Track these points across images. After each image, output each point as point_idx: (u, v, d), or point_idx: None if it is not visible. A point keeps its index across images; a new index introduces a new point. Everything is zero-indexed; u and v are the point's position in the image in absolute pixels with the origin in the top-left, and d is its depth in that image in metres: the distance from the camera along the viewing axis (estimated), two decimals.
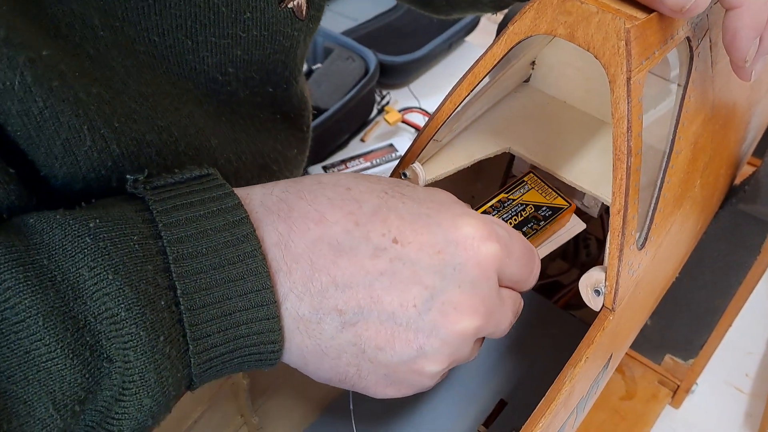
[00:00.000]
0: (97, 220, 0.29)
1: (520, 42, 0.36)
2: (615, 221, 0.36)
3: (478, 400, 0.50)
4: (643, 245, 0.38)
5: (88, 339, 0.28)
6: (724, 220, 0.55)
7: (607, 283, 0.37)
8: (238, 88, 0.43)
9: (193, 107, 0.41)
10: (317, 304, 0.32)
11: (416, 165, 0.43)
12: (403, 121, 0.99)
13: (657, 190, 0.39)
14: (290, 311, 0.32)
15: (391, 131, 1.00)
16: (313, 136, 0.90)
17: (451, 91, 0.40)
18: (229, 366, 0.33)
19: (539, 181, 0.45)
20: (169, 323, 0.29)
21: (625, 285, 0.37)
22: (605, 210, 0.49)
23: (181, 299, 0.30)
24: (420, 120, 1.00)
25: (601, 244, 0.65)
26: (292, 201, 0.33)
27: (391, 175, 0.44)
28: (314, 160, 0.94)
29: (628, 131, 0.34)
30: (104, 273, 0.28)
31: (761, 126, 0.60)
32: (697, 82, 0.41)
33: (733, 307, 0.61)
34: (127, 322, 0.28)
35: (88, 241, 0.29)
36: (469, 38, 1.15)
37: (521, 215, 0.43)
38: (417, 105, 1.02)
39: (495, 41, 0.37)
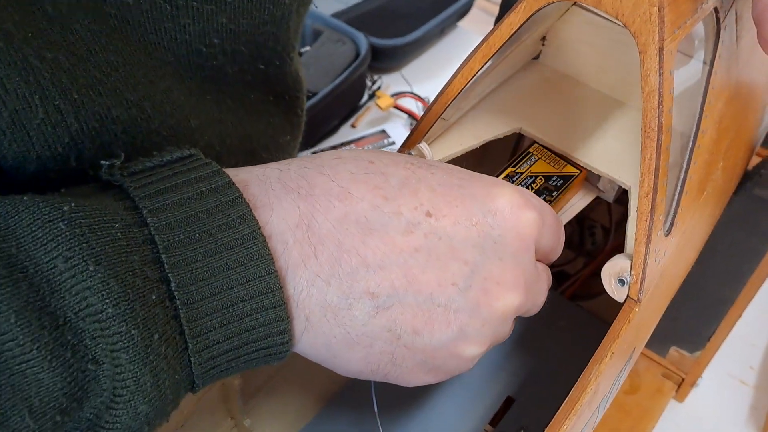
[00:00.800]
0: (72, 204, 0.26)
1: (540, 9, 0.33)
2: (643, 204, 0.33)
3: (484, 397, 0.47)
4: (669, 231, 0.36)
5: (69, 338, 0.24)
6: (738, 206, 0.53)
7: (632, 272, 0.34)
8: (225, 63, 0.39)
9: (171, 82, 0.37)
10: (347, 288, 0.29)
11: (423, 145, 0.40)
12: (396, 107, 0.95)
13: (683, 171, 0.36)
14: (316, 298, 0.29)
15: (383, 117, 0.97)
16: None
17: (462, 64, 0.37)
18: (236, 364, 0.29)
19: (545, 150, 0.42)
20: (164, 320, 0.26)
21: (651, 274, 0.35)
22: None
23: (176, 293, 0.26)
24: (413, 105, 0.97)
25: (607, 232, 0.63)
26: (313, 177, 0.30)
27: None
28: (303, 146, 0.90)
29: (659, 106, 0.31)
30: (83, 264, 0.25)
31: None
32: (723, 57, 0.39)
33: (744, 297, 0.58)
34: (115, 320, 0.25)
35: (62, 227, 0.25)
36: (461, 23, 1.12)
37: (532, 188, 0.41)
38: (409, 89, 0.99)
39: (512, 9, 0.34)
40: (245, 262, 0.27)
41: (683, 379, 0.68)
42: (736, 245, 0.55)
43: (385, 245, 0.29)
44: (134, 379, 0.25)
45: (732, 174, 0.47)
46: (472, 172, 0.33)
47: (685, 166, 0.36)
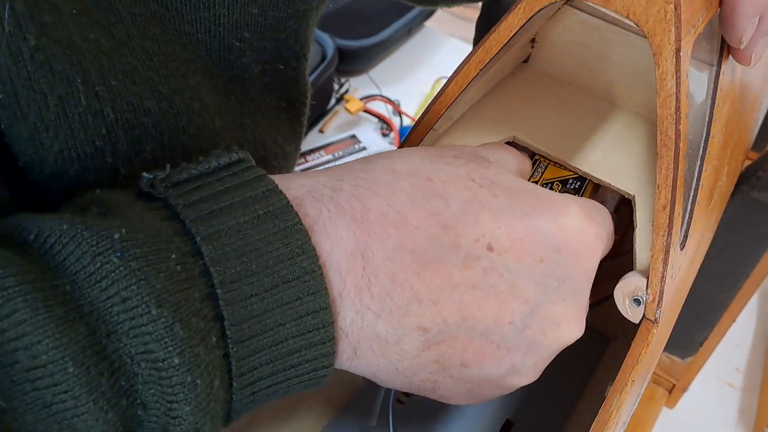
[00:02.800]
0: (123, 231, 0.22)
1: (542, 9, 0.31)
2: (660, 218, 0.30)
3: (482, 420, 0.44)
4: (683, 244, 0.33)
5: (123, 383, 0.22)
6: (734, 209, 0.51)
7: (649, 291, 0.32)
8: (252, 61, 0.37)
9: (201, 78, 0.34)
10: (397, 322, 0.27)
11: None
12: (365, 110, 0.93)
13: (695, 179, 0.34)
14: (365, 331, 0.27)
15: (352, 121, 0.94)
16: None
17: (456, 70, 0.34)
18: (271, 396, 0.27)
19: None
20: (220, 361, 0.24)
21: (669, 292, 0.32)
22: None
23: (228, 331, 0.24)
24: (383, 108, 0.94)
25: None
26: (367, 199, 0.27)
27: None
28: None
29: (676, 112, 0.29)
30: (144, 306, 0.22)
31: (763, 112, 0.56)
32: (728, 65, 0.36)
33: (739, 302, 0.57)
34: (179, 369, 0.22)
35: (115, 261, 0.22)
36: (428, 23, 1.10)
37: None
38: (378, 92, 0.96)
39: (511, 10, 0.31)
40: (301, 296, 0.25)
41: (674, 385, 0.66)
42: (732, 249, 0.53)
43: (440, 279, 0.27)
44: (195, 429, 0.23)
45: (734, 177, 0.45)
46: (537, 189, 0.30)
47: (696, 174, 0.34)
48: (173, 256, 0.23)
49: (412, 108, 0.95)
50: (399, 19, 1.01)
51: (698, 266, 0.44)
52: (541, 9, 0.30)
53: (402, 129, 0.91)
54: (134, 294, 0.22)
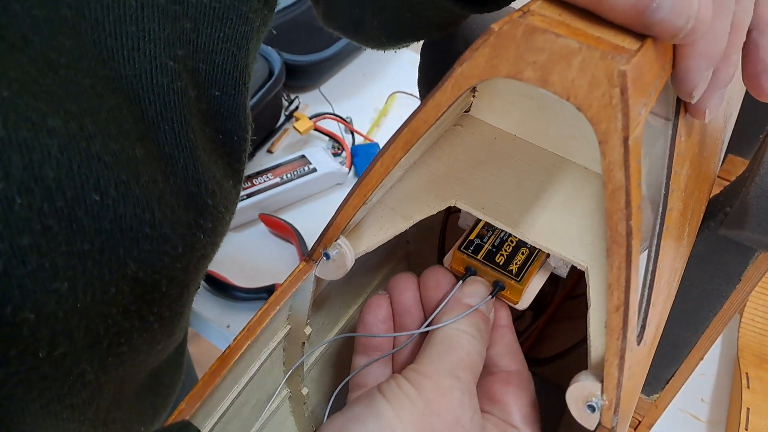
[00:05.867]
0: None
1: (472, 87, 0.27)
2: (613, 321, 0.27)
3: None
4: (641, 337, 0.30)
5: None
6: (701, 246, 0.48)
7: (605, 397, 0.28)
8: (189, 86, 0.34)
9: (123, 100, 0.30)
10: None
11: (341, 241, 0.33)
12: (316, 129, 0.88)
13: (652, 262, 0.31)
14: None
15: (302, 140, 0.90)
16: None
17: (381, 150, 0.30)
18: None
19: None
20: None
21: (627, 393, 0.29)
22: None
23: None
24: (334, 127, 0.89)
25: (554, 276, 0.57)
26: None
27: (310, 255, 0.34)
28: None
29: (626, 207, 0.25)
30: None
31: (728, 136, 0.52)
32: (686, 115, 0.33)
33: (705, 340, 0.54)
34: None
35: None
36: None
37: (512, 239, 0.39)
38: (330, 110, 0.91)
39: (438, 86, 0.28)
40: None
41: (640, 422, 0.63)
42: (699, 286, 0.50)
43: None
44: None
45: (695, 230, 0.42)
46: None
47: (653, 257, 0.30)
48: None
49: (365, 125, 0.91)
50: None
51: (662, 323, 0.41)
52: (471, 87, 0.27)
53: (354, 148, 0.87)
54: None
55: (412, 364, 0.33)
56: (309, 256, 0.34)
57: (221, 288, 0.72)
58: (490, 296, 0.37)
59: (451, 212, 0.51)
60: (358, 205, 0.32)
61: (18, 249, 0.26)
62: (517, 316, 0.55)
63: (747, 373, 0.67)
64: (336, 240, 0.33)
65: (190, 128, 0.35)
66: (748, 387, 0.65)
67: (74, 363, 0.31)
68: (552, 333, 0.54)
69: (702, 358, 0.56)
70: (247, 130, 0.40)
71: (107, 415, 0.37)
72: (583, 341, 0.51)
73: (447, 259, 0.40)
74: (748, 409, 0.63)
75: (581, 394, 0.29)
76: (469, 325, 0.35)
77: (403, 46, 0.55)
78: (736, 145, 0.56)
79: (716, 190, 0.49)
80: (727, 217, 0.45)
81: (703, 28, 0.26)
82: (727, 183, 0.50)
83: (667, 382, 0.58)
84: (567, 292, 0.55)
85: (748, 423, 0.62)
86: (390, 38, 0.52)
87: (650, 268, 0.31)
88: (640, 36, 0.26)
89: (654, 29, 0.25)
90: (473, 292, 0.37)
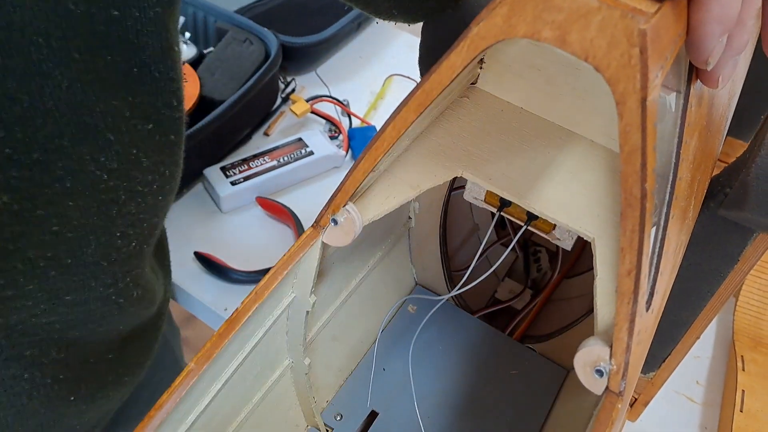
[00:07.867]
0: None
1: (487, 48, 0.27)
2: (624, 284, 0.27)
3: None
4: (649, 304, 0.30)
5: None
6: (700, 226, 0.48)
7: (613, 362, 0.28)
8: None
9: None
10: None
11: (350, 207, 0.33)
12: (313, 112, 0.88)
13: (661, 230, 0.31)
14: None
15: (299, 123, 0.89)
16: (208, 133, 0.79)
17: (393, 113, 0.30)
18: None
19: None
20: None
21: (635, 359, 0.29)
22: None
23: None
24: (331, 110, 0.89)
25: (554, 255, 0.57)
26: None
27: (318, 221, 0.34)
28: (211, 160, 0.82)
29: (642, 169, 0.25)
30: None
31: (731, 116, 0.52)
32: (696, 86, 0.33)
33: (702, 319, 0.54)
34: None
35: None
36: None
37: None
38: (327, 92, 0.91)
39: (453, 48, 0.27)
40: None
41: (636, 399, 0.63)
42: (697, 266, 0.50)
43: None
44: None
45: (699, 205, 0.42)
46: None
47: (663, 224, 0.30)
48: None
49: (362, 107, 0.91)
50: (347, 13, 0.96)
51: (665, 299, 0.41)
52: (487, 48, 0.26)
53: (351, 131, 0.86)
54: None
55: None
56: (317, 222, 0.34)
57: (218, 270, 0.72)
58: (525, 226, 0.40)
59: (453, 189, 0.51)
60: (367, 170, 0.31)
61: None
62: (516, 293, 0.55)
63: (742, 356, 0.67)
64: (344, 206, 0.33)
65: (73, 47, 0.31)
66: (744, 369, 0.66)
67: None
68: (550, 312, 0.54)
69: (698, 338, 0.56)
70: (172, 67, 0.36)
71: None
72: (579, 320, 0.51)
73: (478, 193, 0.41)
74: (743, 391, 0.64)
75: (589, 359, 0.29)
76: None
77: (415, 21, 0.54)
78: (735, 127, 0.56)
79: (716, 172, 0.49)
80: (727, 197, 0.45)
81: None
82: (726, 165, 0.50)
83: (664, 361, 0.58)
84: (565, 272, 0.55)
85: (743, 405, 0.62)
86: (401, 10, 0.51)
87: (659, 237, 0.31)
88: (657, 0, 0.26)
89: None
90: None
